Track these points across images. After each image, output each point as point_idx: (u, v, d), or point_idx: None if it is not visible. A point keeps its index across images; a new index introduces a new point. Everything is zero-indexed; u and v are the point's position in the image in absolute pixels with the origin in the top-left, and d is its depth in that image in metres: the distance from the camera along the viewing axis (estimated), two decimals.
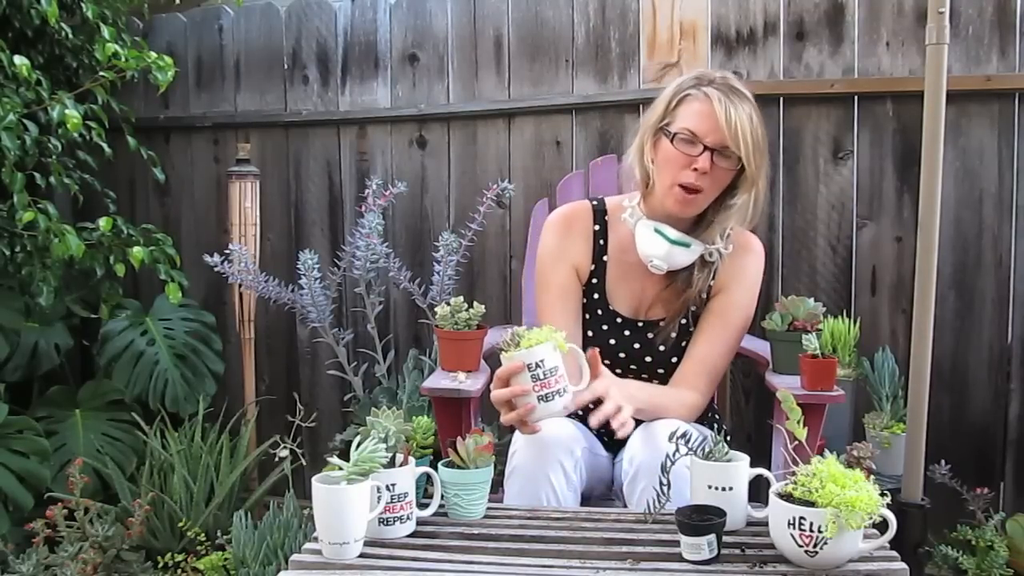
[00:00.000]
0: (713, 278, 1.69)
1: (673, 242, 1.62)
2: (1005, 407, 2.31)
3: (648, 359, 1.69)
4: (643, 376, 1.70)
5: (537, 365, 1.35)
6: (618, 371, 1.69)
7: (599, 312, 1.72)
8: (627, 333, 1.70)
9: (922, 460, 2.03)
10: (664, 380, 1.69)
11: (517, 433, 1.68)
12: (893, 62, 2.33)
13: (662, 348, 1.68)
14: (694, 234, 1.66)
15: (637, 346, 1.69)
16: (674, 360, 1.69)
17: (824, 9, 2.37)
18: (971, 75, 2.25)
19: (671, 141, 1.58)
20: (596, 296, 1.73)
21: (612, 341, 1.70)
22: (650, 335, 1.69)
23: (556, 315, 1.69)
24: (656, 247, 1.62)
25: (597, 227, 1.74)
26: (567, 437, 1.52)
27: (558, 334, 1.38)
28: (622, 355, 1.70)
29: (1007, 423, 2.31)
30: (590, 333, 1.72)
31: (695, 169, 1.55)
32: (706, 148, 1.54)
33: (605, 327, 1.71)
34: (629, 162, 1.69)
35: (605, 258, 1.73)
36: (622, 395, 1.45)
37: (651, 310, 1.71)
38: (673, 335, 1.68)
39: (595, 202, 1.77)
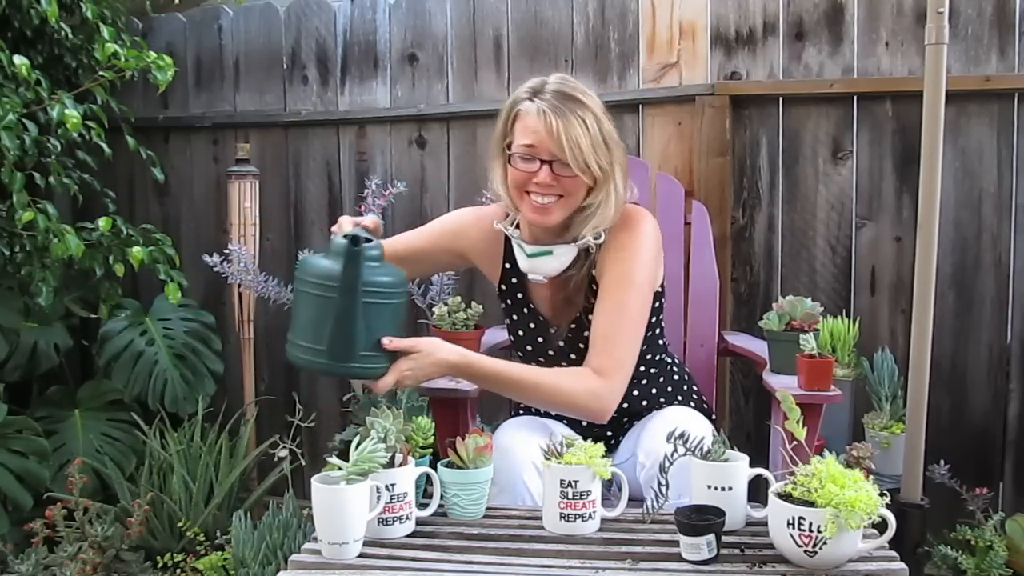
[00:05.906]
0: (594, 267, 1.65)
1: (531, 256, 1.64)
2: (1004, 407, 2.32)
3: (573, 356, 1.69)
4: None
5: (569, 484, 1.35)
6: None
7: (525, 311, 1.74)
8: (552, 330, 1.72)
9: (921, 460, 2.03)
10: None
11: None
12: (892, 62, 2.33)
13: (582, 346, 1.64)
14: (561, 239, 1.64)
15: (561, 343, 1.71)
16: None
17: (823, 9, 2.37)
18: (970, 75, 2.25)
19: (509, 161, 1.59)
20: (520, 295, 1.75)
21: (540, 339, 1.73)
22: (570, 335, 1.69)
23: (405, 236, 1.82)
24: (523, 262, 1.67)
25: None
26: (535, 452, 1.50)
27: (602, 461, 1.36)
28: (551, 352, 1.72)
29: (1006, 423, 2.31)
30: (521, 332, 1.75)
31: (538, 183, 1.55)
32: (543, 162, 1.54)
33: (532, 325, 1.74)
34: (491, 181, 1.69)
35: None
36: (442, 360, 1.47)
37: (562, 314, 1.70)
38: (573, 326, 1.68)
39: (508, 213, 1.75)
